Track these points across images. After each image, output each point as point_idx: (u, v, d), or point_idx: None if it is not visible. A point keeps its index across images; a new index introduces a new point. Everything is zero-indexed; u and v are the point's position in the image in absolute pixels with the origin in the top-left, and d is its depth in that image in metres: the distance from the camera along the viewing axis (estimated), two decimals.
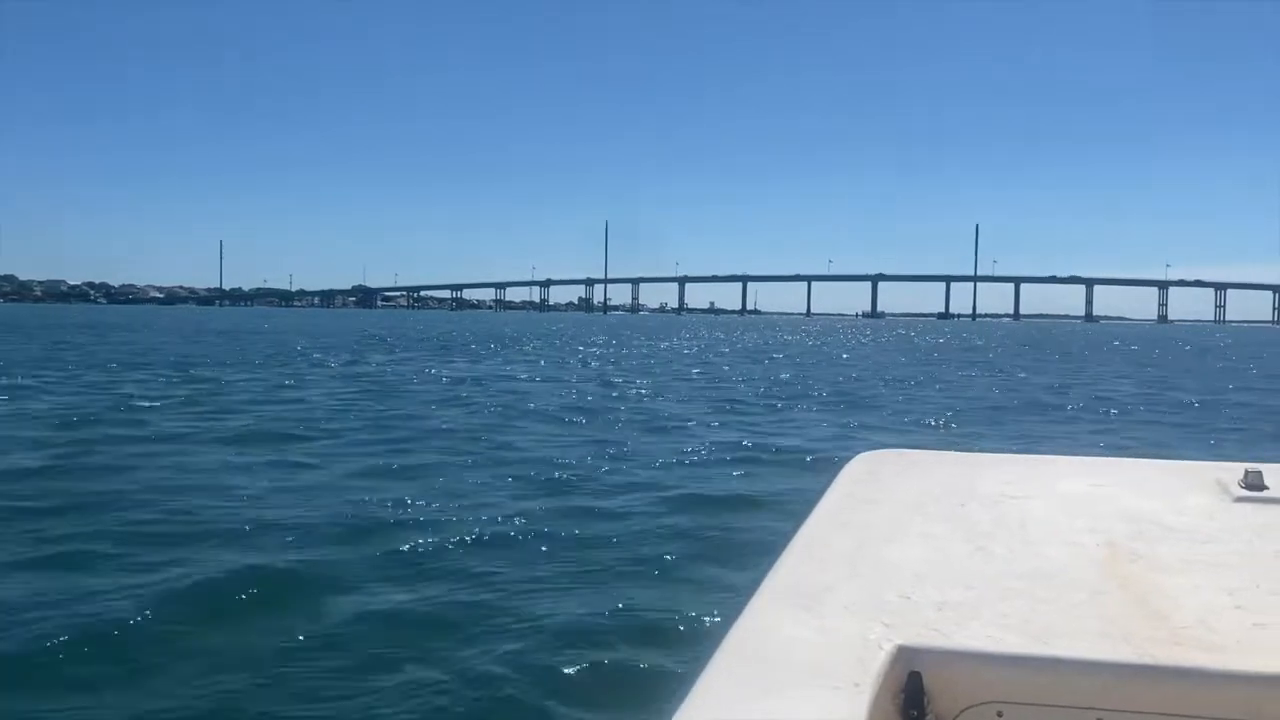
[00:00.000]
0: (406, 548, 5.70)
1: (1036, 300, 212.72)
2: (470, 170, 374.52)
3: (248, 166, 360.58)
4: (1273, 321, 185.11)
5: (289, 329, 59.19)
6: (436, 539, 5.90)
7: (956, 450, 2.21)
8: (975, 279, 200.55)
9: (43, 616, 4.46)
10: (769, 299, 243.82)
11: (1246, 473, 1.68)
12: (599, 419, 13.08)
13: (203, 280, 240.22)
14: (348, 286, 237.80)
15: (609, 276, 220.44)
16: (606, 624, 4.53)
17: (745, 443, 10.90)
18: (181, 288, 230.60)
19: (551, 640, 4.32)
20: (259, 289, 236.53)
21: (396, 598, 4.86)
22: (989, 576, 1.27)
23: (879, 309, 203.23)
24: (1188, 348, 52.22)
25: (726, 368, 27.48)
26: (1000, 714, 1.04)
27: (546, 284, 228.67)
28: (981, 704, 1.04)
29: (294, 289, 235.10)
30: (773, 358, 34.51)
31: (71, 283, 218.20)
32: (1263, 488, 1.64)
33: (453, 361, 27.81)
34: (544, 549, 5.83)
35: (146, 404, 13.81)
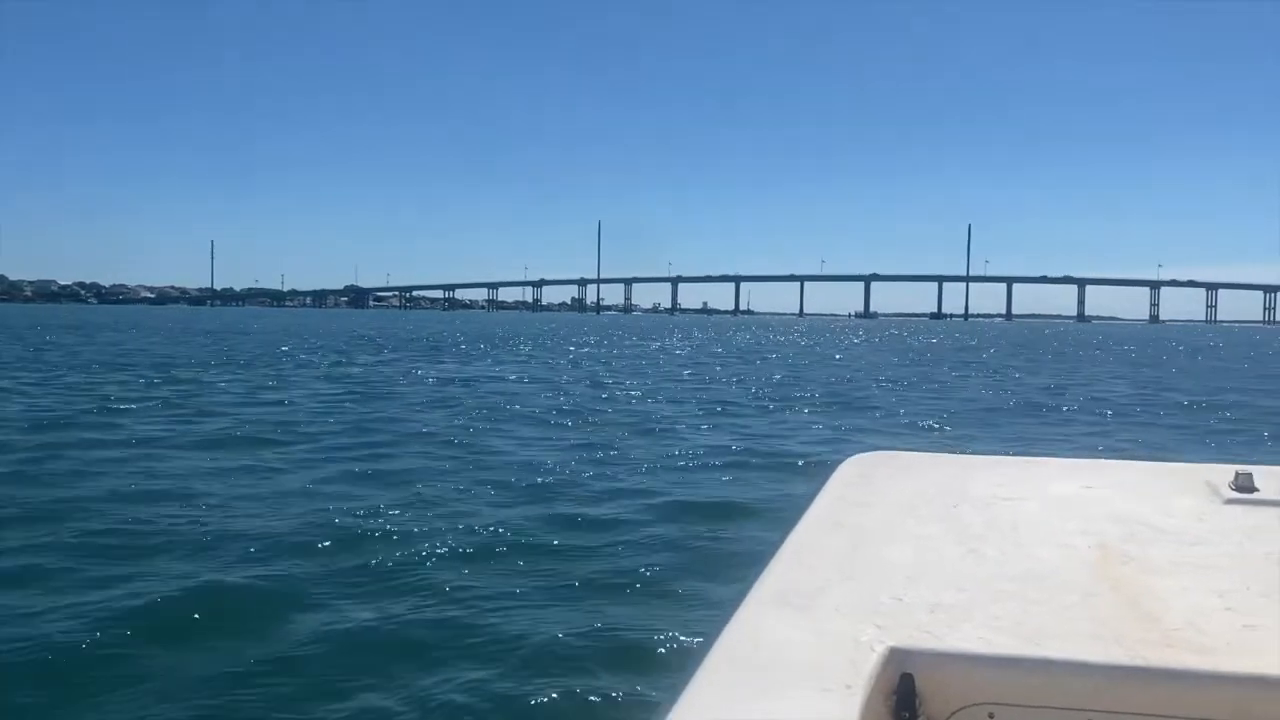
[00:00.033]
0: (375, 561, 5.40)
1: (1029, 300, 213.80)
2: (464, 171, 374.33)
3: (240, 167, 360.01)
4: (1264, 321, 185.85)
5: (278, 329, 58.75)
6: (407, 551, 5.60)
7: (949, 452, 2.18)
8: (968, 279, 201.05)
9: None
10: (762, 299, 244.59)
11: (1237, 475, 1.67)
12: (587, 422, 12.79)
13: (194, 280, 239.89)
14: (340, 286, 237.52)
15: (602, 276, 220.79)
16: (583, 645, 4.23)
17: (736, 446, 10.63)
18: (173, 288, 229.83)
19: (523, 664, 4.03)
20: (250, 289, 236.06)
21: (360, 615, 4.56)
22: (981, 578, 1.27)
23: (872, 309, 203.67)
24: (1180, 348, 52.17)
25: (718, 368, 27.22)
26: (992, 715, 1.04)
27: (539, 284, 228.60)
28: (973, 705, 1.04)
29: (286, 289, 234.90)
30: (765, 358, 34.28)
31: (62, 283, 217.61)
32: (1253, 490, 1.63)
33: (442, 362, 27.50)
34: (521, 562, 5.53)
35: (123, 406, 13.47)
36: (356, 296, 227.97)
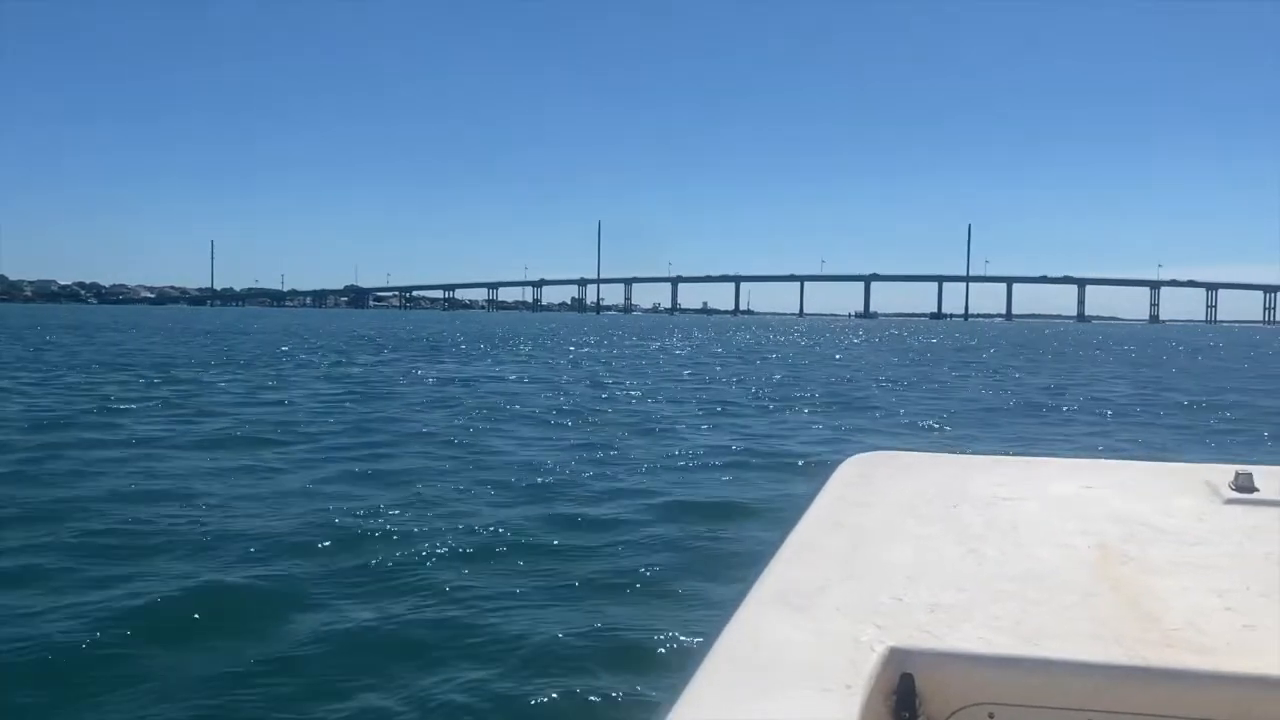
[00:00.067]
0: (375, 561, 5.39)
1: (1028, 300, 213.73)
2: (464, 171, 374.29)
3: (241, 167, 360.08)
4: (1263, 321, 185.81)
5: (278, 329, 58.74)
6: (407, 551, 5.60)
7: (949, 452, 2.19)
8: (968, 279, 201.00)
9: None
10: (762, 299, 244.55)
11: (1237, 475, 1.67)
12: (587, 422, 12.79)
13: (194, 280, 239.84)
14: (340, 286, 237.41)
15: (602, 277, 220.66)
16: (583, 645, 4.23)
17: (736, 446, 10.63)
18: (173, 288, 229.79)
19: (523, 664, 4.02)
20: (250, 289, 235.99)
21: (360, 615, 4.56)
22: (981, 578, 1.27)
23: (872, 309, 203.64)
24: (1180, 348, 52.16)
25: (718, 368, 27.22)
26: (992, 715, 1.04)
27: (539, 284, 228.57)
28: (973, 705, 1.04)
29: (286, 289, 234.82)
30: (765, 358, 34.27)
31: (62, 283, 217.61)
32: (1253, 490, 1.63)
33: (442, 362, 27.49)
34: (521, 562, 5.53)
35: (123, 406, 13.47)
36: (356, 296, 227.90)
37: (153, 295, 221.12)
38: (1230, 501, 1.61)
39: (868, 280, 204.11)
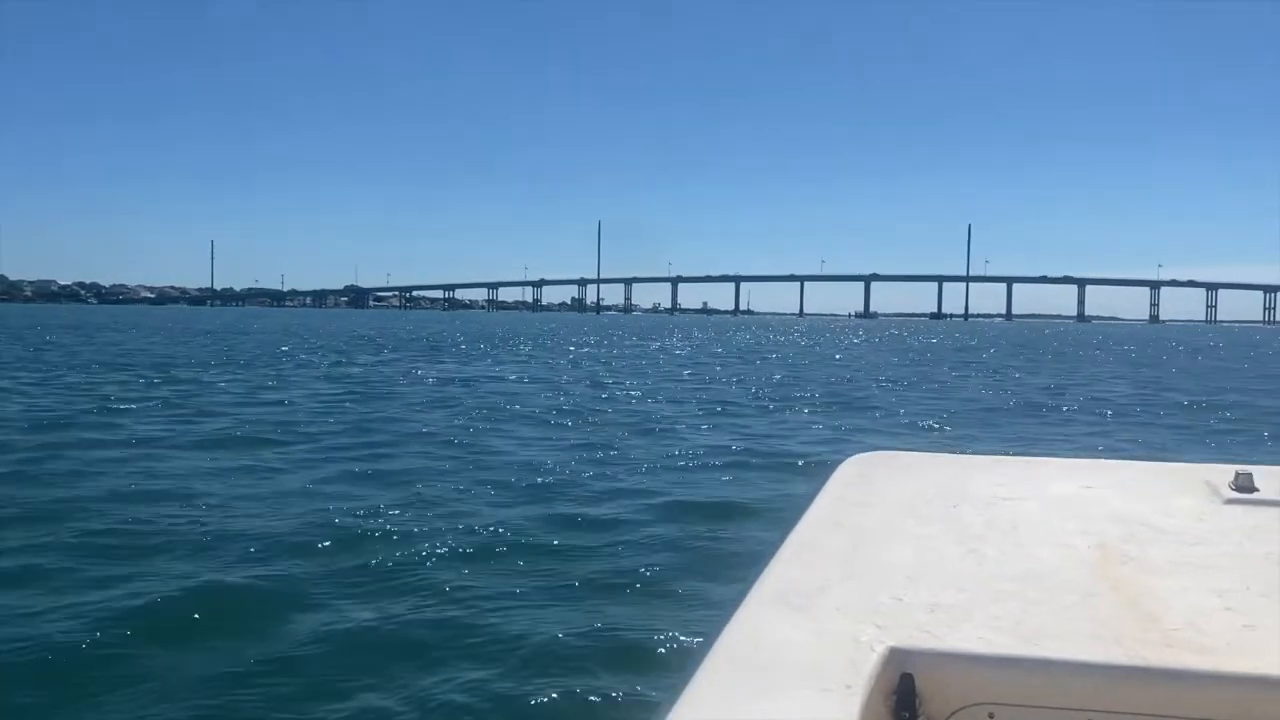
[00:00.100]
0: (375, 561, 5.39)
1: (1028, 300, 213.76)
2: (464, 171, 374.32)
3: (241, 167, 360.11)
4: (1264, 321, 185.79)
5: (278, 329, 58.74)
6: (407, 551, 5.60)
7: (949, 452, 2.19)
8: (968, 279, 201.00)
9: None
10: (762, 299, 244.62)
11: (1236, 475, 1.67)
12: (587, 422, 12.79)
13: (194, 280, 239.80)
14: (340, 286, 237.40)
15: (602, 277, 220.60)
16: (583, 645, 4.23)
17: (736, 446, 10.63)
18: (173, 288, 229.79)
19: (523, 664, 4.02)
20: (250, 289, 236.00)
21: (360, 615, 4.56)
22: (981, 578, 1.27)
23: (872, 309, 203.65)
24: (1180, 348, 52.15)
25: (718, 368, 27.21)
26: (992, 715, 1.04)
27: (539, 284, 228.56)
28: (973, 705, 1.04)
29: (286, 289, 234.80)
30: (765, 358, 34.27)
31: (62, 283, 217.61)
32: (1253, 490, 1.63)
33: (442, 362, 27.49)
34: (521, 562, 5.53)
35: (123, 406, 13.47)
36: (356, 296, 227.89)
37: (153, 295, 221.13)
38: (1230, 501, 1.61)
39: (868, 280, 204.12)
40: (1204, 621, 1.11)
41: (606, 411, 14.23)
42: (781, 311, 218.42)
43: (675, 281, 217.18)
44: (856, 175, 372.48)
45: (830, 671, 1.00)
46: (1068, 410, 15.86)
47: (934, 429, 12.88)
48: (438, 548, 5.68)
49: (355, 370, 23.35)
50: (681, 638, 4.22)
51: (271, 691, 3.76)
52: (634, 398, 17.00)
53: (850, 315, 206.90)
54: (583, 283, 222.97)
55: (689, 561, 5.64)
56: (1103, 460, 2.11)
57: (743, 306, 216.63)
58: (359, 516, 6.49)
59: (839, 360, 33.72)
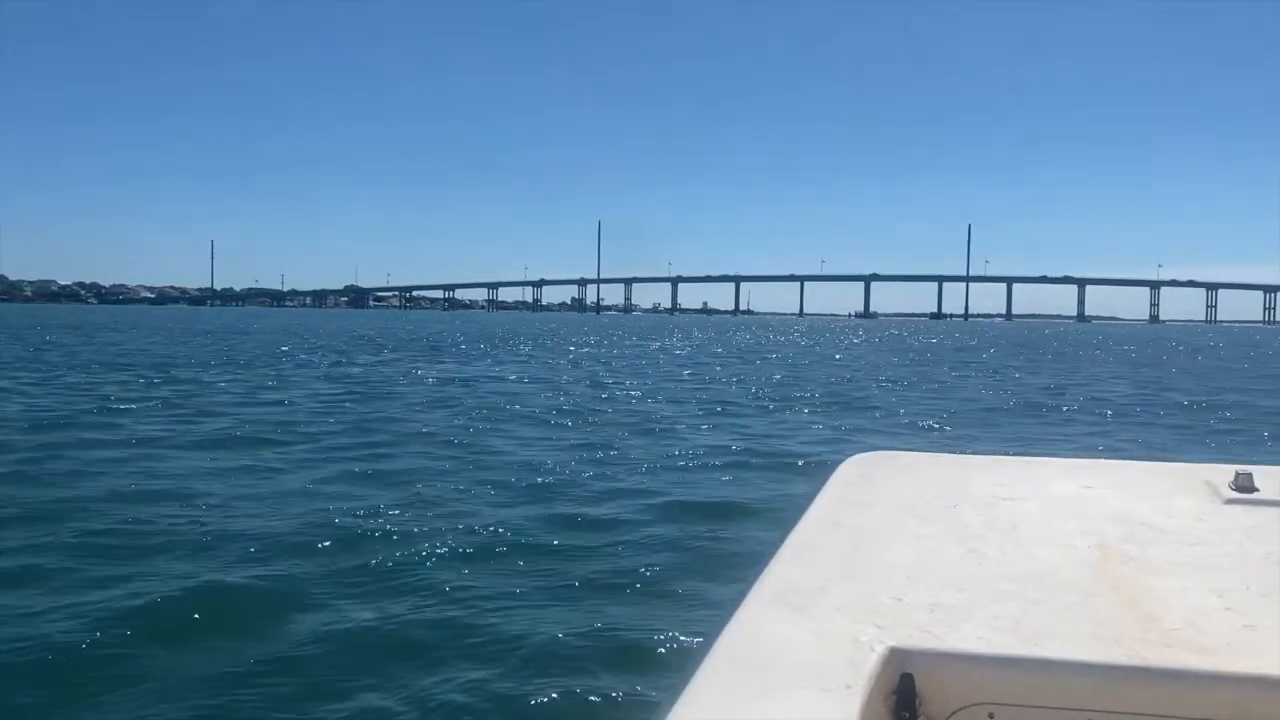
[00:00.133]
0: (374, 561, 5.39)
1: (1028, 300, 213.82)
2: (464, 171, 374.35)
3: (240, 167, 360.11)
4: (1264, 321, 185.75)
5: (278, 329, 58.74)
6: (407, 551, 5.60)
7: (949, 452, 2.20)
8: (968, 279, 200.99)
9: None
10: (762, 299, 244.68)
11: (1236, 475, 1.67)
12: (587, 422, 12.79)
13: (194, 280, 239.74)
14: (340, 286, 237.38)
15: (602, 276, 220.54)
16: (584, 645, 4.23)
17: (736, 446, 10.62)
18: (173, 288, 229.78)
19: (523, 664, 4.02)
20: (250, 289, 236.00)
21: (360, 615, 4.55)
22: (981, 578, 1.27)
23: (872, 309, 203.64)
24: (1180, 348, 52.15)
25: (718, 368, 27.21)
26: (992, 715, 1.04)
27: (539, 284, 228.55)
28: (973, 705, 1.04)
29: (286, 289, 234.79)
30: (765, 358, 34.26)
31: (62, 283, 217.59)
32: (1253, 490, 1.63)
33: (442, 362, 27.49)
34: (521, 562, 5.53)
35: (123, 406, 13.47)
36: (356, 296, 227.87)
37: (153, 295, 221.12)
38: (1230, 501, 1.61)
39: (868, 280, 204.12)
40: (1204, 621, 1.11)
41: (606, 411, 14.23)
42: (781, 311, 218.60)
43: (675, 281, 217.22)
44: (856, 175, 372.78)
45: (830, 671, 1.00)
46: (1068, 410, 15.86)
47: (934, 429, 12.87)
48: (438, 548, 5.68)
49: (355, 370, 23.35)
50: (681, 638, 4.22)
51: (271, 692, 3.76)
52: (634, 398, 17.00)
53: (850, 315, 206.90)
54: (583, 283, 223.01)
55: (689, 561, 5.63)
56: (1103, 460, 2.11)
57: (743, 306, 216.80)
58: (359, 516, 6.49)
59: (839, 360, 33.71)
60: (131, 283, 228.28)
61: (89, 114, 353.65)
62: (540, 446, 10.34)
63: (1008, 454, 2.33)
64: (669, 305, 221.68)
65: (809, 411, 15.02)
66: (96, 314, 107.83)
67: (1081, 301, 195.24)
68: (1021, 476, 1.86)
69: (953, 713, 1.04)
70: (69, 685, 3.83)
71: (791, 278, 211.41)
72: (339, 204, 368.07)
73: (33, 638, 4.20)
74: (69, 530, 5.93)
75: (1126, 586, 1.23)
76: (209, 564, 5.31)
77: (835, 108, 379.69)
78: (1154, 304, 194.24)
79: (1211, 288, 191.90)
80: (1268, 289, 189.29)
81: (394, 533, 6.02)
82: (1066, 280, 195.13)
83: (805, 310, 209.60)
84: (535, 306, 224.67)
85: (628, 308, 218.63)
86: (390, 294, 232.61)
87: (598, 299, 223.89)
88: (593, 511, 6.95)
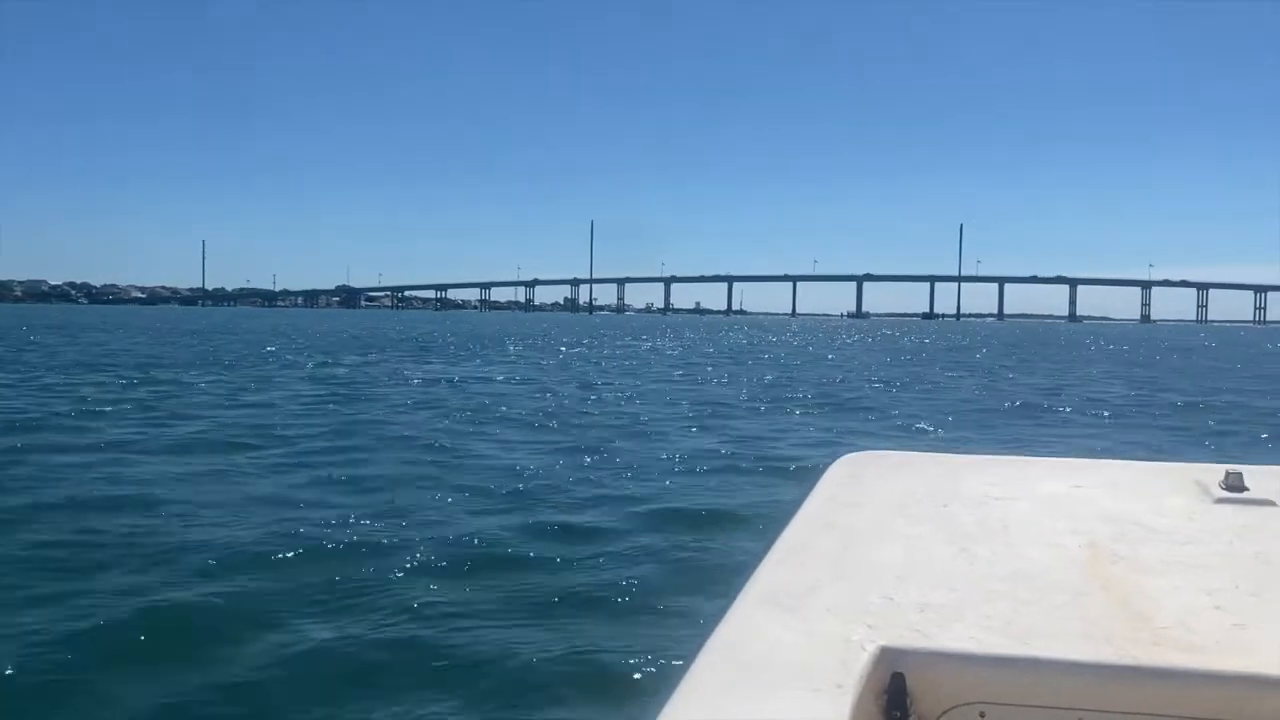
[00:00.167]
0: (339, 576, 5.06)
1: (1020, 300, 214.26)
2: (458, 170, 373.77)
3: (233, 167, 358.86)
4: (1254, 321, 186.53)
5: (267, 329, 58.29)
6: (374, 564, 5.29)
7: (942, 453, 2.16)
8: (960, 279, 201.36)
9: None
10: (754, 299, 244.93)
11: (1227, 474, 1.67)
12: (574, 424, 12.49)
13: (186, 280, 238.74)
14: (331, 287, 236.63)
15: (595, 277, 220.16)
16: (559, 670, 3.93)
17: (727, 450, 10.34)
18: (164, 288, 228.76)
19: (493, 691, 3.73)
20: (242, 289, 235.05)
21: (318, 635, 4.24)
22: (972, 578, 1.27)
23: (864, 309, 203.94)
24: (1172, 348, 52.10)
25: (710, 369, 26.94)
26: (983, 714, 1.04)
27: (532, 284, 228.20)
28: (964, 705, 1.04)
29: (277, 289, 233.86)
30: (757, 358, 34.02)
31: (53, 283, 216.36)
32: (1243, 489, 1.63)
33: (430, 363, 27.16)
34: (496, 576, 5.22)
35: (97, 409, 13.11)
36: (348, 296, 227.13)
37: (144, 295, 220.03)
38: (1220, 501, 1.60)
39: (860, 280, 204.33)
40: (1194, 620, 1.11)
41: (594, 414, 13.93)
42: (774, 311, 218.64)
43: (668, 281, 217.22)
44: (854, 175, 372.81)
45: (821, 671, 1.00)
46: (1062, 411, 15.64)
47: (927, 430, 12.62)
48: (407, 561, 5.37)
49: (340, 371, 22.99)
50: (661, 661, 3.92)
51: None
52: (623, 399, 16.70)
53: (843, 315, 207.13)
54: (575, 283, 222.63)
55: (673, 574, 5.34)
56: (1093, 460, 2.08)
57: (736, 306, 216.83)
58: (327, 527, 6.16)
59: (831, 360, 33.48)
60: (123, 283, 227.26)
61: (82, 114, 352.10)
62: (524, 450, 10.04)
63: (1000, 454, 2.26)
64: (662, 305, 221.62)
65: (801, 413, 14.75)
66: (85, 314, 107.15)
67: (1073, 301, 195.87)
68: (1012, 476, 1.85)
69: (944, 712, 1.04)
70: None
71: (784, 278, 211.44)
72: (332, 204, 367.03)
73: None
74: (16, 543, 5.59)
75: (1117, 586, 1.23)
76: (162, 579, 4.99)
77: (834, 108, 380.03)
78: (1145, 304, 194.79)
79: (1203, 288, 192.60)
80: (1258, 289, 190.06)
81: (362, 544, 5.71)
82: (1058, 280, 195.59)
83: (798, 310, 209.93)
84: (528, 307, 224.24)
85: (620, 308, 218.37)
86: (382, 294, 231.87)
87: (590, 299, 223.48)
88: (575, 520, 6.65)
